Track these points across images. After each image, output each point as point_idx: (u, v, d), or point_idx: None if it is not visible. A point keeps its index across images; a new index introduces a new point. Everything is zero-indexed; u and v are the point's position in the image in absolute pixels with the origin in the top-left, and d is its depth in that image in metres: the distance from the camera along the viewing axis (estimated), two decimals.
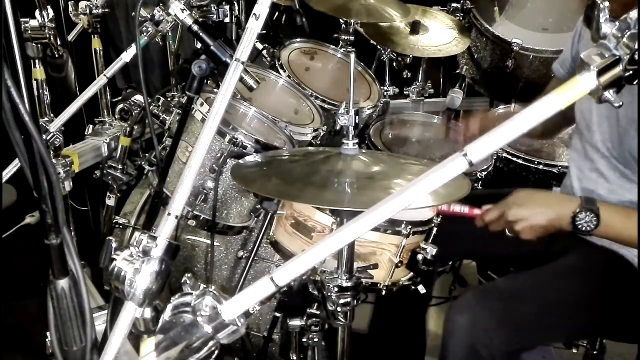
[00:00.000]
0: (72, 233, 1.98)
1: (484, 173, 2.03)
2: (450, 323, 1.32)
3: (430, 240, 1.42)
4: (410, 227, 1.33)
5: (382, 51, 2.60)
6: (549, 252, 1.50)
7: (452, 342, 1.31)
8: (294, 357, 1.53)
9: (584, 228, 1.27)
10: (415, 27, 2.48)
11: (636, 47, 0.60)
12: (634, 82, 0.62)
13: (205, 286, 0.72)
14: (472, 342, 1.28)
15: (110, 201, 1.96)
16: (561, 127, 1.83)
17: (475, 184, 2.01)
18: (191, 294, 0.72)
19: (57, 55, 1.85)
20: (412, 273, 1.44)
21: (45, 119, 1.74)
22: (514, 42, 2.40)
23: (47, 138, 1.62)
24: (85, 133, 2.06)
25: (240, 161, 1.34)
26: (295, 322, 1.35)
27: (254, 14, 0.85)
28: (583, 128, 1.52)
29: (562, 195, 1.55)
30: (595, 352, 1.72)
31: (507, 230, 1.35)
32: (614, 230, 1.29)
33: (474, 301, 1.36)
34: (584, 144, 1.52)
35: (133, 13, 2.02)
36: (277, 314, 1.63)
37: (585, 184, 1.51)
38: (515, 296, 1.36)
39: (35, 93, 1.74)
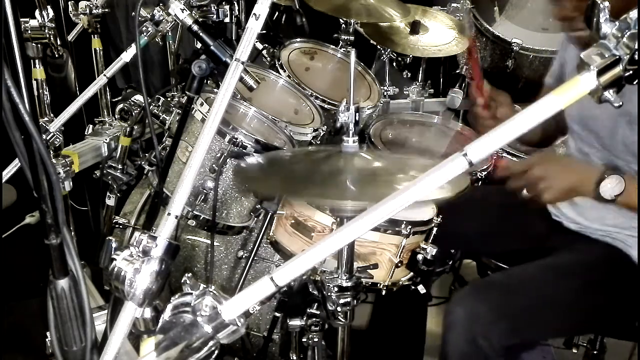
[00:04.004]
0: (72, 233, 1.98)
1: (484, 173, 2.02)
2: (450, 315, 1.33)
3: (430, 241, 1.42)
4: (410, 227, 1.33)
5: (382, 51, 2.60)
6: (547, 247, 1.49)
7: (452, 335, 1.31)
8: (294, 357, 1.53)
9: (608, 193, 1.23)
10: (415, 27, 2.48)
11: (636, 47, 0.60)
12: (634, 82, 0.62)
13: (205, 286, 0.72)
14: (472, 334, 1.28)
15: (110, 201, 1.96)
16: (557, 135, 1.82)
17: (476, 184, 2.01)
18: (191, 294, 0.72)
19: (57, 55, 1.85)
20: (412, 273, 1.44)
21: (45, 119, 1.74)
22: (514, 42, 2.40)
23: (47, 138, 1.62)
24: (85, 133, 2.06)
25: (241, 164, 1.34)
26: (295, 322, 1.34)
27: (254, 14, 0.85)
28: (577, 123, 1.52)
29: (587, 163, 1.52)
30: (595, 352, 1.72)
31: (525, 190, 1.32)
32: (633, 198, 1.24)
33: (473, 294, 1.36)
34: (578, 141, 1.52)
35: (133, 13, 2.01)
36: (277, 314, 1.62)
37: None
38: (514, 290, 1.36)
39: (35, 93, 1.74)
